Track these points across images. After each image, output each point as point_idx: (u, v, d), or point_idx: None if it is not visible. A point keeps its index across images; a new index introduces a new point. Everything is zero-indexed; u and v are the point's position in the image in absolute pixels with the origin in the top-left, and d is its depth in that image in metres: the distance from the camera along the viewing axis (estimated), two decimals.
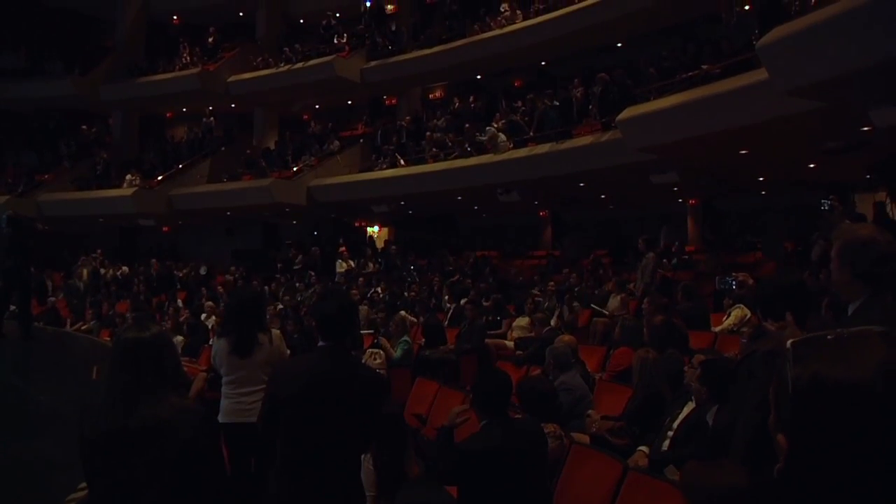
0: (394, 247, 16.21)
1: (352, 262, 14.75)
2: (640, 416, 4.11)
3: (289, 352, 3.83)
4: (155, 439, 1.79)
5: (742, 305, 6.61)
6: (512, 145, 12.65)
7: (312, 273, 14.27)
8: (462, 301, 9.70)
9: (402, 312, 8.47)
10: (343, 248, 15.83)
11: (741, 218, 15.09)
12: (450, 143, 14.23)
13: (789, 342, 1.61)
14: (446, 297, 10.39)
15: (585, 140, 11.00)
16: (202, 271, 15.77)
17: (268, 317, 9.55)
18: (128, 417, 1.81)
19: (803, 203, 13.12)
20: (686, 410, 3.69)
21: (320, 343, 2.59)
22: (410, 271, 14.21)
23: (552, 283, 10.05)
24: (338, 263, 14.70)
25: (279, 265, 15.86)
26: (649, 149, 9.36)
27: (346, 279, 13.57)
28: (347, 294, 10.54)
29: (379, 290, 11.98)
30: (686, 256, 11.62)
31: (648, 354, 4.40)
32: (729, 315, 6.77)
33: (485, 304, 9.80)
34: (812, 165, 10.25)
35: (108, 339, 9.05)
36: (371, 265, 14.99)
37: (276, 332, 3.74)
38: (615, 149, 10.11)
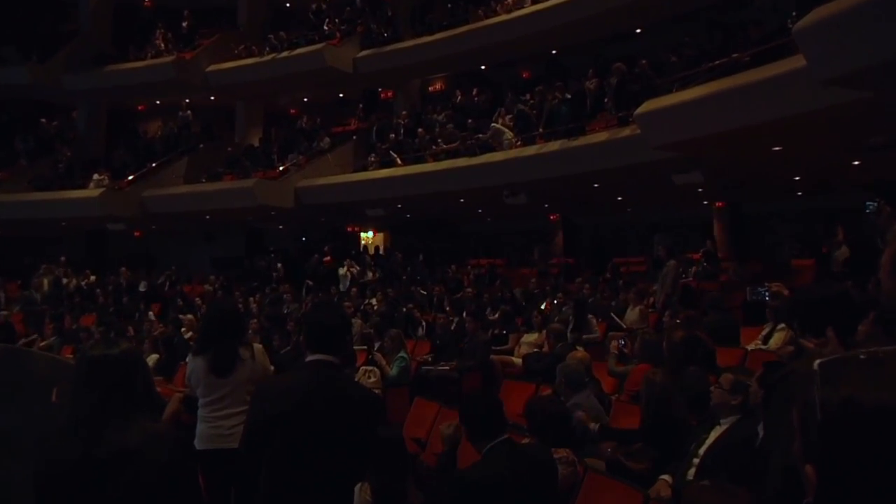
0: (398, 253, 16.16)
1: (353, 270, 14.80)
2: (649, 443, 4.10)
3: (272, 368, 3.81)
4: (123, 469, 1.76)
5: (786, 325, 6.53)
6: (519, 142, 12.66)
7: (310, 282, 14.29)
8: (464, 314, 9.70)
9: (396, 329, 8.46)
10: (328, 258, 15.86)
11: (772, 222, 15.07)
12: (449, 141, 14.25)
13: (817, 362, 1.59)
14: (448, 310, 10.36)
15: (600, 137, 11.01)
16: (141, 287, 15.55)
17: (249, 331, 9.64)
18: (92, 445, 1.78)
19: (848, 205, 13.08)
20: (714, 435, 3.66)
21: (309, 357, 2.57)
22: (417, 280, 14.22)
23: (560, 294, 10.01)
24: (340, 270, 14.84)
25: (274, 274, 15.88)
26: (671, 146, 9.35)
27: (354, 288, 13.62)
28: (341, 305, 10.69)
29: (374, 301, 11.97)
30: (707, 264, 11.59)
31: (656, 377, 4.36)
32: (769, 333, 6.69)
33: (491, 317, 9.78)
34: (857, 162, 10.21)
35: (70, 356, 9.02)
36: (371, 273, 15.01)
37: (257, 346, 3.72)
38: (633, 146, 10.11)
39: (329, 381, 2.50)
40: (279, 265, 16.36)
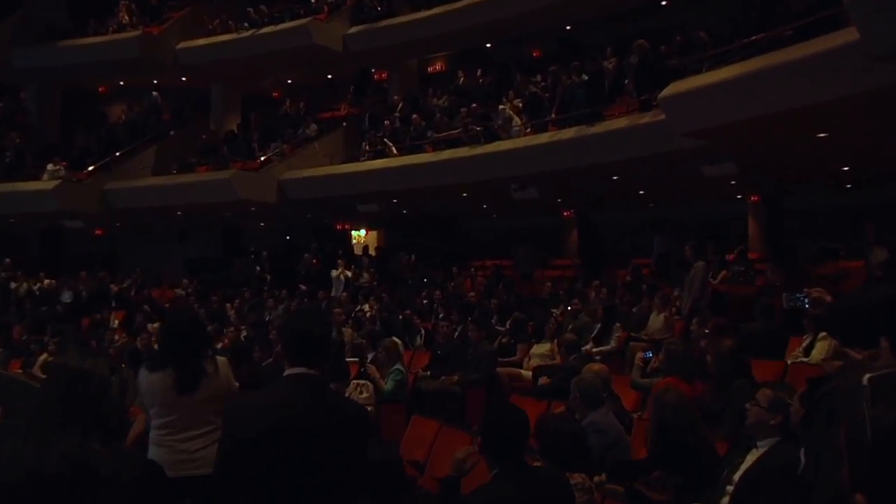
0: (403, 254, 16.15)
1: (349, 272, 14.85)
2: (668, 469, 4.09)
3: (237, 384, 3.83)
4: (82, 497, 1.74)
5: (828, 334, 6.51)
6: (529, 130, 12.66)
7: (303, 286, 14.29)
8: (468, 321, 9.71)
9: (394, 338, 8.48)
10: (316, 260, 15.87)
11: (815, 218, 15.07)
12: (450, 128, 14.27)
13: (866, 377, 1.57)
14: (451, 317, 10.36)
15: (620, 123, 11.01)
16: (66, 298, 15.28)
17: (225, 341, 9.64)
18: (45, 466, 1.75)
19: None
20: (750, 460, 3.65)
21: (289, 371, 2.56)
22: (418, 284, 14.27)
23: (576, 300, 10.03)
24: (334, 273, 14.84)
25: (267, 277, 15.94)
26: (700, 133, 9.35)
27: (345, 293, 13.66)
28: (325, 312, 10.69)
29: (367, 307, 11.98)
30: (741, 266, 11.57)
31: (668, 396, 4.34)
32: (810, 344, 6.67)
33: (499, 327, 9.77)
34: None
35: (19, 371, 9.00)
36: (366, 276, 15.06)
37: (221, 359, 3.73)
38: (657, 134, 10.10)
39: (312, 397, 2.49)
40: (258, 267, 16.34)
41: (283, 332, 2.74)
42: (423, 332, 10.08)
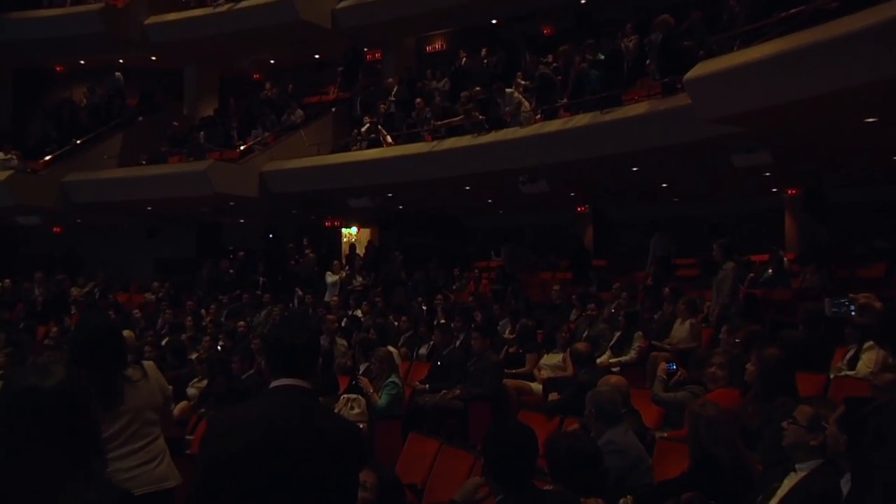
0: (398, 254, 16.17)
1: (343, 273, 14.90)
2: (701, 492, 4.09)
3: (218, 396, 3.85)
4: None
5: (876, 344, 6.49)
6: (540, 115, 12.65)
7: (300, 291, 14.29)
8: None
9: (389, 347, 8.48)
10: (294, 261, 15.85)
11: (862, 214, 15.04)
12: (451, 114, 14.27)
13: None
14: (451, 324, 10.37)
15: (640, 108, 11.02)
16: None
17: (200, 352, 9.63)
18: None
19: None
20: (788, 485, 3.65)
21: (275, 383, 2.56)
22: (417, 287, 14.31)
23: (592, 305, 10.04)
24: (327, 275, 14.89)
25: (260, 279, 15.90)
26: (731, 119, 9.32)
27: (335, 297, 13.69)
28: (315, 318, 10.68)
29: (359, 312, 11.99)
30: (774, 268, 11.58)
31: (705, 410, 4.35)
32: (854, 356, 6.64)
33: (507, 335, 9.77)
34: None
35: None
36: (360, 279, 15.05)
37: (148, 363, 3.77)
38: (682, 120, 10.07)
39: (299, 412, 2.49)
40: (230, 271, 16.27)
41: (267, 341, 2.75)
42: (430, 342, 10.04)
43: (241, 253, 17.51)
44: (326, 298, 13.98)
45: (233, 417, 2.64)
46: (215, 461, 2.43)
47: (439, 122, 14.32)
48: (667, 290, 10.27)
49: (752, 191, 14.82)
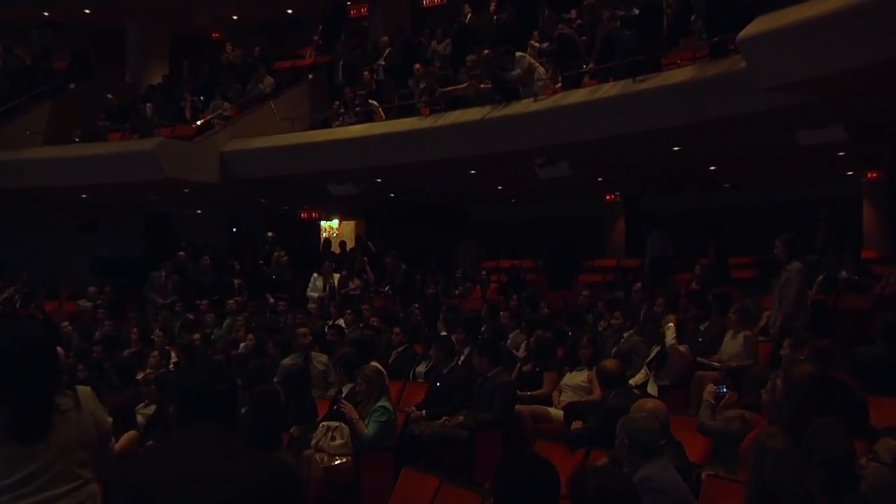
0: (392, 253, 16.16)
1: (335, 276, 14.87)
2: None
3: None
4: None
5: None
6: (559, 85, 12.62)
7: (273, 298, 14.19)
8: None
9: (376, 364, 8.46)
10: (264, 262, 15.79)
11: None
12: (453, 82, 14.24)
13: None
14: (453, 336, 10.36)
15: (682, 74, 11.01)
16: None
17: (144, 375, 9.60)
18: None
19: None
20: None
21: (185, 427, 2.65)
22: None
23: (618, 313, 10.01)
24: (311, 280, 14.80)
25: (239, 283, 15.80)
26: (795, 86, 9.29)
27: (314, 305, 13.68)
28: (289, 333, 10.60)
29: (342, 321, 11.96)
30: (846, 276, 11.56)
31: (773, 441, 4.31)
32: None
33: (521, 353, 9.74)
34: None
35: None
36: (356, 281, 15.08)
37: (84, 389, 3.64)
38: (734, 88, 10.09)
39: (219, 456, 2.55)
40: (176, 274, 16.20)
41: (174, 389, 2.82)
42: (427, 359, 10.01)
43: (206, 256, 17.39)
44: (312, 305, 13.85)
45: (138, 464, 2.79)
46: None
47: (443, 90, 14.29)
48: (710, 295, 10.26)
49: (822, 174, 14.80)
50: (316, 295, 14.47)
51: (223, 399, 2.67)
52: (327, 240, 18.92)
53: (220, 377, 2.72)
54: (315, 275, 14.94)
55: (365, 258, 16.33)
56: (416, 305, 12.79)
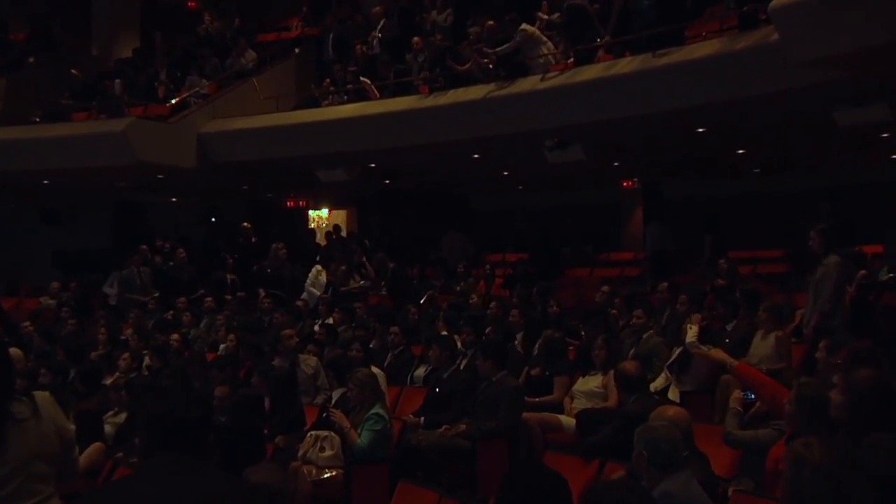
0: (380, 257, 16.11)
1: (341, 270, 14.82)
2: None
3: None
4: None
5: None
6: (571, 60, 12.62)
7: (265, 296, 14.08)
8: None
9: (373, 367, 8.47)
10: (232, 260, 15.75)
11: None
12: (454, 58, 14.23)
13: None
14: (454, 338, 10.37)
15: (707, 47, 11.00)
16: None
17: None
18: None
19: None
20: None
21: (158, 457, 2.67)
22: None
23: (639, 311, 9.99)
24: (313, 273, 14.67)
25: (231, 279, 15.76)
26: (833, 60, 9.28)
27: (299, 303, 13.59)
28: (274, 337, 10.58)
29: (331, 320, 11.95)
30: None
31: (811, 452, 4.29)
32: None
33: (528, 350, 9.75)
34: None
35: None
36: (356, 279, 15.06)
37: (42, 395, 3.64)
38: (764, 62, 10.08)
39: (189, 490, 2.58)
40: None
41: (140, 418, 2.83)
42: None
43: (167, 245, 17.34)
44: (311, 304, 13.73)
45: (103, 497, 2.81)
46: None
47: (452, 66, 14.26)
48: (738, 293, 10.24)
49: (863, 158, 14.77)
50: (318, 292, 14.32)
51: (195, 429, 2.69)
52: (329, 233, 18.82)
53: (191, 404, 2.73)
54: (318, 268, 14.81)
55: (363, 251, 16.25)
56: (412, 305, 12.74)
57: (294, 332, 10.45)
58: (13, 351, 10.35)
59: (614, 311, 10.72)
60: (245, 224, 17.21)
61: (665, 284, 11.65)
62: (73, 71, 18.06)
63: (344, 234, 18.14)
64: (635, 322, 9.75)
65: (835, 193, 14.52)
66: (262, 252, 16.10)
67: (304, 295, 14.19)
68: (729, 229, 15.96)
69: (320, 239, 18.20)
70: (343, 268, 15.16)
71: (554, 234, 16.96)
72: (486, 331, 10.40)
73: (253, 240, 16.95)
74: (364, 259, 15.63)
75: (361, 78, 15.27)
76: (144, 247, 16.38)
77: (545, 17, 13.43)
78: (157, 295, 14.88)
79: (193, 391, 3.04)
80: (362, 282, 15.03)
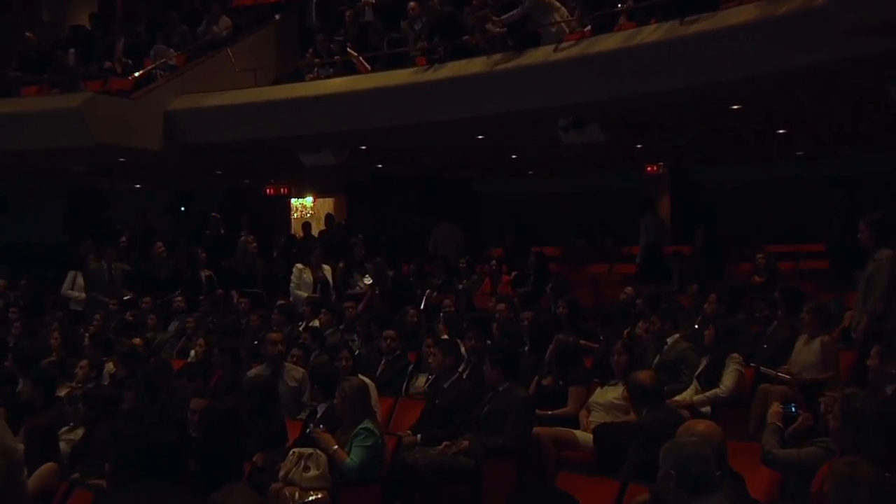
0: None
1: (327, 269, 14.72)
2: None
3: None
4: None
5: None
6: (588, 29, 12.65)
7: (241, 298, 14.02)
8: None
9: (361, 377, 8.45)
10: (202, 253, 15.70)
11: None
12: (455, 28, 14.24)
13: None
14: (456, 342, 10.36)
15: (745, 13, 10.98)
16: None
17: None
18: None
19: None
20: None
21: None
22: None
23: (654, 318, 9.98)
24: (296, 272, 14.49)
25: (207, 276, 15.72)
26: (887, 28, 9.24)
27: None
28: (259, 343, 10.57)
29: (318, 321, 11.97)
30: None
31: (858, 471, 4.30)
32: None
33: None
34: None
35: None
36: (357, 278, 15.07)
37: None
38: (810, 30, 10.08)
39: None
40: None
41: (110, 443, 2.87)
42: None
43: (123, 238, 17.30)
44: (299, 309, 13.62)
45: None
46: None
47: (442, 36, 14.27)
48: (776, 293, 10.21)
49: None
50: (305, 294, 14.00)
51: (168, 454, 2.75)
52: (329, 220, 18.82)
53: (164, 427, 2.78)
54: (299, 266, 14.55)
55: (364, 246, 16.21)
56: (411, 307, 12.76)
57: (280, 338, 10.17)
58: None
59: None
60: (214, 214, 17.17)
61: (695, 286, 11.66)
62: (26, 34, 18.01)
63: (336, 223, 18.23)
64: (653, 326, 9.70)
65: (848, 181, 14.61)
66: (233, 245, 16.12)
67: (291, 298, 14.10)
68: (765, 218, 15.98)
69: (296, 229, 18.12)
70: (341, 265, 15.18)
71: (564, 225, 16.93)
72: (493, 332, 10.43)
73: (222, 231, 16.91)
74: (364, 254, 15.63)
75: (349, 48, 15.26)
76: (124, 239, 16.46)
77: None
78: (128, 297, 14.75)
79: (165, 407, 3.08)
80: (368, 282, 14.80)
